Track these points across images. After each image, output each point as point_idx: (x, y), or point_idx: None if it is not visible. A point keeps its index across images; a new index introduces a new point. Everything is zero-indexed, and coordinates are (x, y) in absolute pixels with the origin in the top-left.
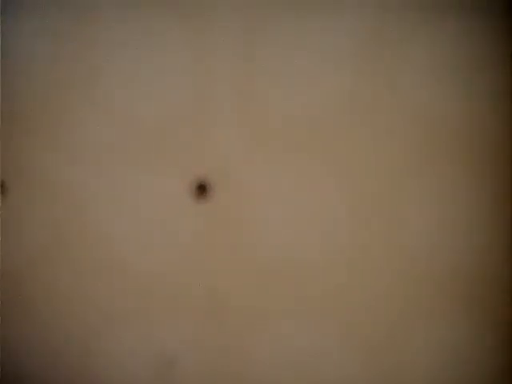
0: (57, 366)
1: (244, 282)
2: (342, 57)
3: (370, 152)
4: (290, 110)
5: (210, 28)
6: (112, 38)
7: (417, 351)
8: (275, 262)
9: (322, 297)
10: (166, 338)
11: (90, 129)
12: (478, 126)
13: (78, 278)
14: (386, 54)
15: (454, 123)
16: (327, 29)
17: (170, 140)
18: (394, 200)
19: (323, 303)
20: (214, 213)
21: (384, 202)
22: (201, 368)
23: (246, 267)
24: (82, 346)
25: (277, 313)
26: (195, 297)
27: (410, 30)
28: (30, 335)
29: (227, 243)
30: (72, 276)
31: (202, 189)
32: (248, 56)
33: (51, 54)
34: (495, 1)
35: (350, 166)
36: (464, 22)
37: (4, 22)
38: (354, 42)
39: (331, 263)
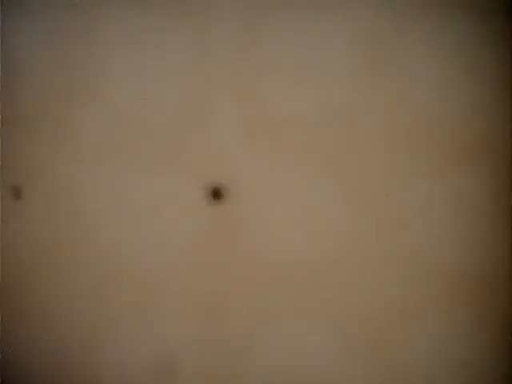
0: (58, 366)
1: (245, 283)
2: (343, 57)
3: (370, 152)
4: (290, 111)
5: (211, 28)
6: (113, 38)
7: (417, 351)
8: (276, 264)
9: (322, 298)
10: (166, 338)
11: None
12: (478, 125)
13: (79, 278)
14: (386, 54)
15: (454, 123)
16: (327, 29)
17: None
18: (394, 201)
19: (324, 304)
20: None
21: (384, 203)
22: (201, 368)
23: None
24: (83, 346)
25: (277, 314)
26: (197, 297)
27: (409, 30)
28: (31, 335)
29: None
30: (74, 276)
31: (215, 193)
32: (249, 56)
33: (52, 55)
34: (495, 1)
35: (351, 168)
36: (464, 22)
37: (4, 22)
38: (354, 42)
39: (332, 265)
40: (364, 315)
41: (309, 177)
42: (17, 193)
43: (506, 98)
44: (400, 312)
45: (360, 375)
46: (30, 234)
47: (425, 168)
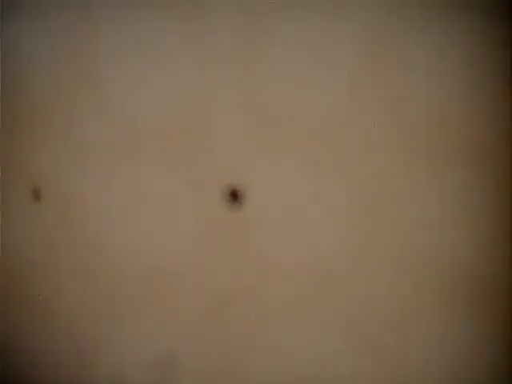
0: (58, 367)
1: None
2: (343, 58)
3: (369, 152)
4: (291, 111)
5: (211, 29)
6: (112, 39)
7: (417, 350)
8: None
9: (323, 297)
10: (166, 339)
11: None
12: (477, 125)
13: (79, 278)
14: (386, 53)
15: (454, 123)
16: (328, 29)
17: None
18: (394, 200)
19: (325, 303)
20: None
21: (384, 203)
22: (201, 368)
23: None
24: (83, 347)
25: (278, 314)
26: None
27: (410, 29)
28: (30, 336)
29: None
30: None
31: (232, 195)
32: (249, 56)
33: (51, 56)
34: (495, 1)
35: (354, 167)
36: (464, 22)
37: (4, 23)
38: (354, 42)
39: (332, 264)
40: (365, 314)
41: (317, 178)
42: (35, 195)
43: (506, 98)
44: (400, 312)
45: (361, 374)
46: (42, 235)
47: (425, 168)
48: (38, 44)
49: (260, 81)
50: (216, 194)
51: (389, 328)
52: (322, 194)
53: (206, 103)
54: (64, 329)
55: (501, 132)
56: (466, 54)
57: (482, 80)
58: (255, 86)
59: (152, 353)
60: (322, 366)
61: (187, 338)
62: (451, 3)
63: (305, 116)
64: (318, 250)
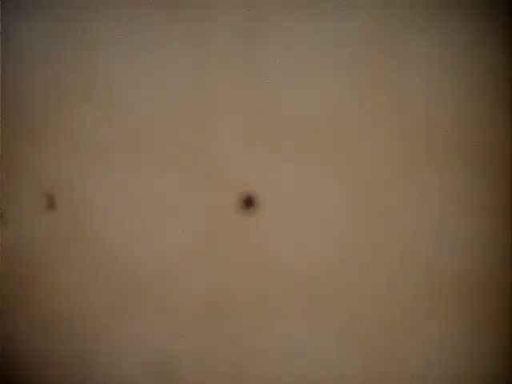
0: (58, 366)
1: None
2: (343, 58)
3: (369, 152)
4: (293, 112)
5: (211, 30)
6: (112, 38)
7: (417, 351)
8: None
9: (322, 298)
10: (166, 339)
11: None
12: (477, 125)
13: (79, 279)
14: (386, 54)
15: (453, 123)
16: (327, 30)
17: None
18: (393, 201)
19: (324, 304)
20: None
21: (384, 204)
22: (201, 368)
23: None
24: (82, 348)
25: (277, 314)
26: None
27: (410, 29)
28: (30, 337)
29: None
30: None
31: (246, 202)
32: (249, 56)
33: (54, 59)
34: (495, 1)
35: (351, 168)
36: (464, 22)
37: (4, 23)
38: (354, 42)
39: (332, 265)
40: (364, 316)
41: (319, 179)
42: (50, 202)
43: (506, 97)
44: (400, 312)
45: (359, 376)
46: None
47: (425, 168)
48: (42, 45)
49: (261, 83)
50: (228, 198)
51: (388, 328)
52: (324, 195)
53: (212, 106)
54: (65, 329)
55: (501, 132)
56: (466, 54)
57: (482, 80)
58: (257, 88)
59: (152, 353)
60: (321, 366)
61: (187, 338)
62: (451, 3)
63: (307, 117)
64: (318, 251)
